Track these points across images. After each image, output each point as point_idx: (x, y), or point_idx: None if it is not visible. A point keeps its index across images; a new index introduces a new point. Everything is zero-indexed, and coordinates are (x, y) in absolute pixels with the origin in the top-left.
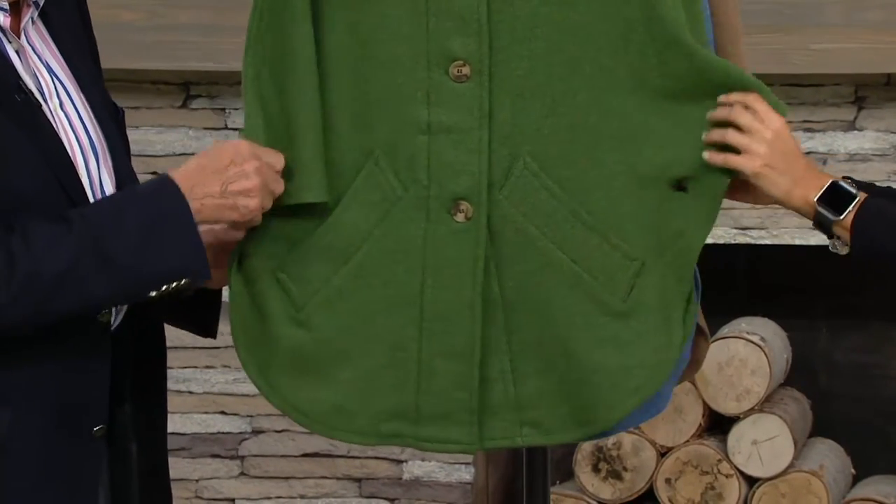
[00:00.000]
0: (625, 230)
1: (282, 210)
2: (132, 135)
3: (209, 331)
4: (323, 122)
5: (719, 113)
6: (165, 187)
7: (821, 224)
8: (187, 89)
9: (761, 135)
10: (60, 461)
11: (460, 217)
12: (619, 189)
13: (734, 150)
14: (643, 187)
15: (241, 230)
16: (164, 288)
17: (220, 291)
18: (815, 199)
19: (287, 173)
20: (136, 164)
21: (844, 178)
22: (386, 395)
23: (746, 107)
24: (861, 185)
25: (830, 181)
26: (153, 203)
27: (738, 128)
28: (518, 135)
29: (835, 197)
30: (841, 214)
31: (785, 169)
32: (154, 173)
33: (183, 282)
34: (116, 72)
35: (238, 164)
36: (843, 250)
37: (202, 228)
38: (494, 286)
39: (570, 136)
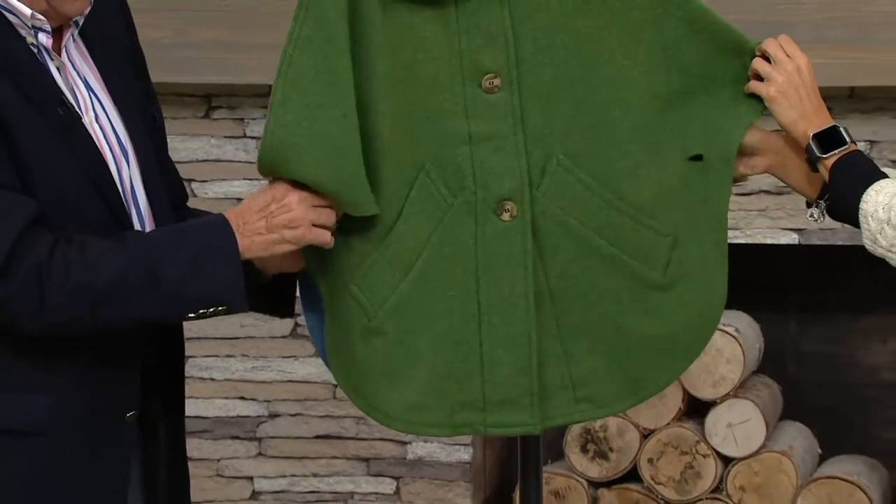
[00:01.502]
0: (654, 210)
1: (347, 228)
2: None
3: (284, 312)
4: (377, 142)
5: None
6: (219, 223)
7: (809, 159)
8: (209, 101)
9: (783, 66)
10: (95, 444)
11: (506, 216)
12: (645, 175)
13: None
14: (665, 169)
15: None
16: (201, 311)
17: (295, 275)
18: (812, 134)
19: (329, 192)
20: None
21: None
22: (456, 388)
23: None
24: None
25: (832, 124)
26: (205, 235)
27: (769, 59)
28: (549, 136)
29: (829, 138)
30: (826, 154)
31: (797, 101)
32: None
33: (220, 308)
34: None
35: (279, 200)
36: (819, 220)
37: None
38: (541, 277)
39: (595, 132)
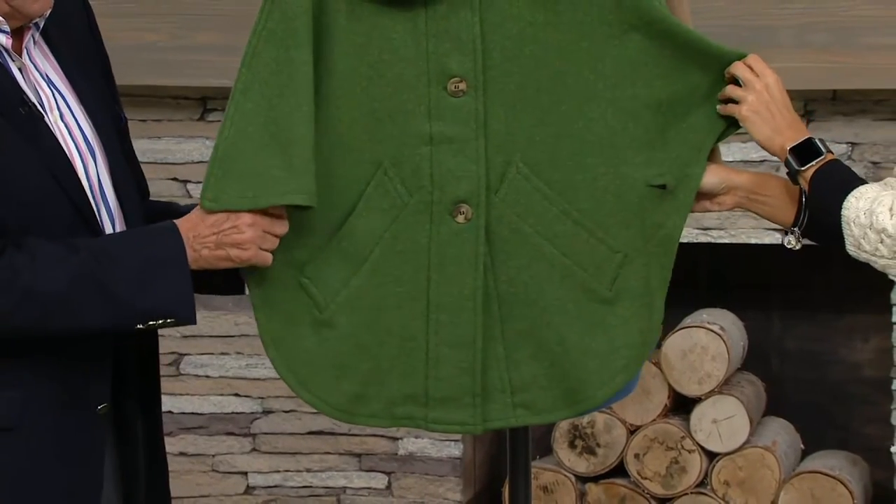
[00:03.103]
0: (608, 225)
1: (301, 221)
2: (155, 145)
3: (235, 288)
4: (333, 137)
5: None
6: (170, 233)
7: (788, 172)
8: (205, 103)
9: (753, 86)
10: (66, 437)
11: (461, 218)
12: (603, 189)
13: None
14: (624, 186)
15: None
16: (150, 323)
17: None
18: (789, 148)
19: (276, 177)
20: (158, 171)
21: (821, 140)
22: (399, 382)
23: (748, 64)
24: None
25: (807, 136)
26: (156, 245)
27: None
28: (511, 143)
29: (805, 151)
30: (804, 166)
31: (769, 118)
32: (175, 179)
33: (168, 321)
34: (141, 87)
35: (233, 220)
36: (797, 246)
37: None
38: (490, 281)
39: (557, 143)
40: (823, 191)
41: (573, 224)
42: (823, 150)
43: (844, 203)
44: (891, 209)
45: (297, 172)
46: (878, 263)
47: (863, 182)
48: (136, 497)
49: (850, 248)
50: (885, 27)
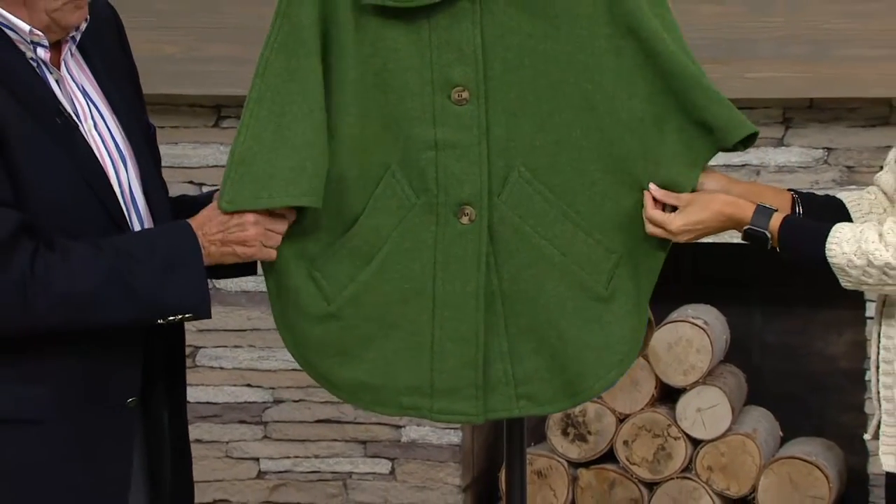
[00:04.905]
0: (605, 228)
1: (315, 218)
2: (172, 150)
3: (248, 269)
4: (350, 141)
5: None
6: (185, 231)
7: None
8: (219, 111)
9: (668, 227)
10: (96, 430)
11: (465, 220)
12: (600, 193)
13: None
14: (621, 193)
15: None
16: (169, 319)
17: None
18: (744, 232)
19: (289, 179)
20: (175, 174)
21: (755, 213)
22: (405, 374)
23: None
24: (802, 196)
25: (746, 228)
26: (173, 245)
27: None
28: (512, 148)
29: (754, 236)
30: (767, 241)
31: (704, 228)
32: (191, 182)
33: (187, 316)
34: (158, 96)
35: (237, 219)
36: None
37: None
38: (494, 279)
39: (556, 149)
40: (796, 246)
41: (572, 225)
42: (763, 231)
43: (827, 253)
44: (884, 243)
45: (308, 174)
46: (885, 290)
47: (824, 225)
48: (161, 485)
49: (848, 286)
50: (858, 39)
